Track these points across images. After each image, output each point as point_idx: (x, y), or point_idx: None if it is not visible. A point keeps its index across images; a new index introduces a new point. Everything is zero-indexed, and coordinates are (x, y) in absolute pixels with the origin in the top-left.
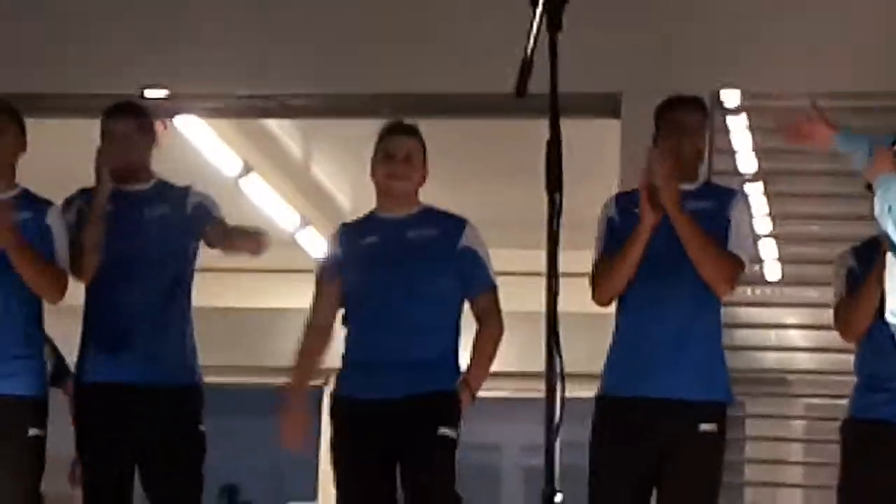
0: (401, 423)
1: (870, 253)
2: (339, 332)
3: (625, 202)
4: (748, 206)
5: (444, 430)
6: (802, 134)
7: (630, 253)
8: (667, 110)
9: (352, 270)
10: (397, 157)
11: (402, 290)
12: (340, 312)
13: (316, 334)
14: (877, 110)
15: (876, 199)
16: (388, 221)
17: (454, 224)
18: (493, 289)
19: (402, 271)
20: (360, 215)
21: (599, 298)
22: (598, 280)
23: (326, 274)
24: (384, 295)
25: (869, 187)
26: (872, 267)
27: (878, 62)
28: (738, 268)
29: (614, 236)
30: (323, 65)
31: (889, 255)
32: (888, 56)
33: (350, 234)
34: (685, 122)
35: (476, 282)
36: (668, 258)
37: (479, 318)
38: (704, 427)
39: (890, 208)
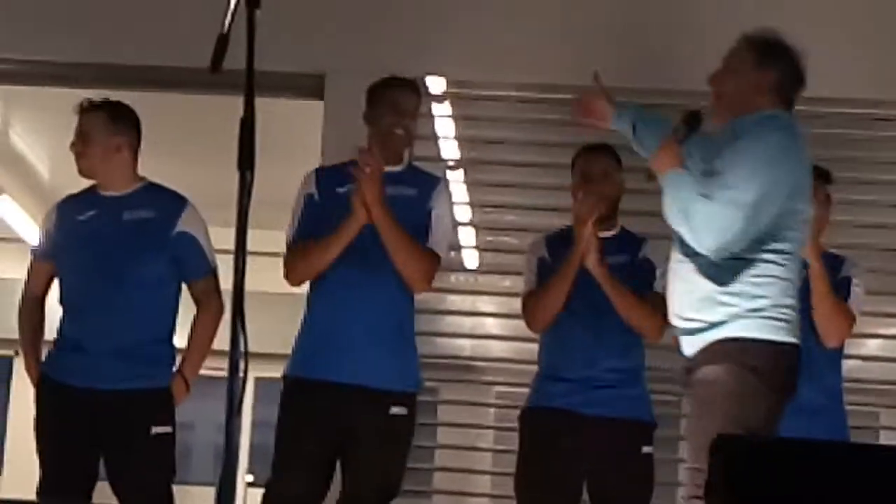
0: (110, 418)
1: (562, 243)
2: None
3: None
4: (450, 196)
5: (157, 429)
6: (587, 110)
7: (332, 242)
8: (382, 89)
9: (64, 247)
10: (77, 135)
11: (112, 273)
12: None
13: (29, 311)
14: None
15: (666, 198)
16: (105, 199)
17: (172, 205)
18: (211, 272)
19: (113, 254)
20: (84, 188)
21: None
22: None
23: (39, 249)
24: (93, 277)
25: (650, 177)
26: (564, 257)
27: (579, 56)
28: (435, 265)
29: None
30: (23, 31)
31: (672, 258)
32: (588, 50)
33: (68, 209)
34: (400, 102)
35: (192, 266)
36: (368, 248)
37: (197, 302)
38: (395, 410)
39: (685, 210)
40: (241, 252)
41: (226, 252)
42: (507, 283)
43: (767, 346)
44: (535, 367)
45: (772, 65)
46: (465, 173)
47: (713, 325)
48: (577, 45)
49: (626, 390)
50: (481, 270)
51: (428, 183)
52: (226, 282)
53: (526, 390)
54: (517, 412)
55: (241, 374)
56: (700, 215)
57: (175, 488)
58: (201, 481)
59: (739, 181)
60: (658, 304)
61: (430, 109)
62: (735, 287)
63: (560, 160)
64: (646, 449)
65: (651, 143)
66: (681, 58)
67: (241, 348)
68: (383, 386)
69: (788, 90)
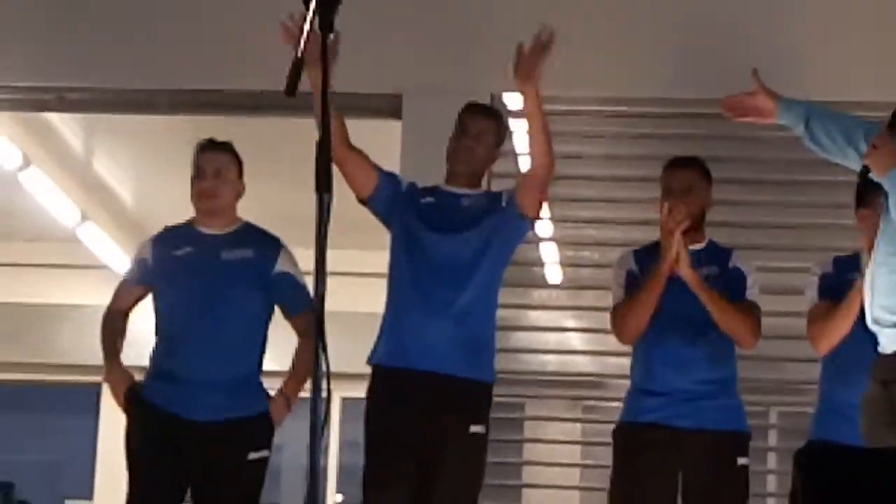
0: (207, 447)
1: (651, 257)
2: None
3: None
4: None
5: (254, 455)
6: (746, 108)
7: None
8: (462, 113)
9: (162, 280)
10: (207, 173)
11: (212, 309)
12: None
13: (113, 320)
14: (662, 116)
15: (893, 196)
16: (204, 236)
17: (270, 246)
18: (311, 307)
19: (214, 291)
20: (180, 222)
21: None
22: None
23: (130, 274)
24: (192, 312)
25: (863, 175)
26: (651, 271)
27: (657, 69)
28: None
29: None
30: (100, 59)
31: (882, 251)
32: (665, 63)
33: (164, 241)
34: (467, 123)
35: (296, 304)
36: (449, 230)
37: (300, 334)
38: (474, 429)
39: None
40: (320, 274)
41: (304, 272)
42: (589, 297)
43: None
44: (620, 382)
45: None
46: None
47: None
48: (655, 58)
49: (721, 401)
50: (564, 286)
51: (495, 196)
52: None
53: (612, 404)
54: (604, 427)
55: (325, 395)
56: None
57: None
58: (291, 503)
59: None
60: (753, 311)
61: (507, 125)
62: None
63: (640, 173)
64: (741, 460)
65: (834, 137)
66: (771, 66)
67: (324, 369)
68: (461, 373)
69: None
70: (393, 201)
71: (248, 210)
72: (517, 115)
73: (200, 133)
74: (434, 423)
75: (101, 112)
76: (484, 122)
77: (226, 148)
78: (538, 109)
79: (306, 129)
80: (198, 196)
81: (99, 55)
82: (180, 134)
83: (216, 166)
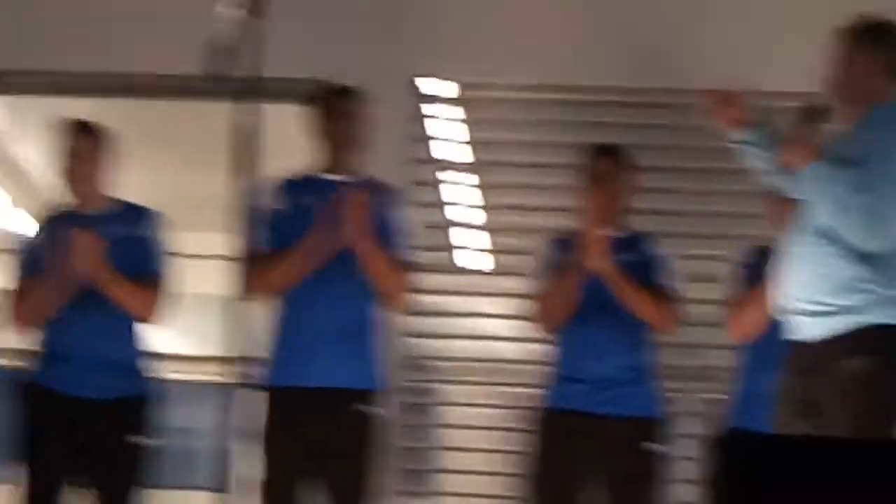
0: (92, 427)
1: (571, 245)
2: None
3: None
4: (403, 206)
5: (136, 439)
6: (725, 113)
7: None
8: (332, 99)
9: (51, 262)
10: (67, 155)
11: (93, 287)
12: None
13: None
14: (586, 103)
15: (809, 191)
16: (80, 217)
17: (141, 217)
18: (157, 275)
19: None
20: (61, 207)
21: None
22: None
23: (28, 271)
24: (77, 292)
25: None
26: (572, 259)
27: (591, 56)
28: (405, 270)
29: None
30: (14, 42)
31: (796, 242)
32: (595, 50)
33: (49, 228)
34: (348, 110)
35: (146, 264)
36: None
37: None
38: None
39: (842, 204)
40: None
41: (205, 257)
42: (508, 283)
43: None
44: (538, 368)
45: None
46: (474, 175)
47: (849, 310)
48: (585, 45)
49: (639, 387)
50: (483, 271)
51: (384, 194)
52: (220, 286)
53: (529, 390)
54: (518, 413)
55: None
56: (861, 209)
57: (179, 493)
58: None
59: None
60: (670, 297)
61: (426, 110)
62: (880, 274)
63: (563, 160)
64: (658, 447)
65: (766, 148)
66: (692, 56)
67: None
68: (351, 385)
69: None
70: (276, 227)
71: (161, 193)
72: (432, 99)
73: (113, 117)
74: (323, 412)
75: (15, 95)
76: (358, 106)
77: (84, 128)
78: (370, 255)
79: (216, 113)
80: (61, 179)
81: (10, 37)
82: (95, 118)
83: (75, 148)
